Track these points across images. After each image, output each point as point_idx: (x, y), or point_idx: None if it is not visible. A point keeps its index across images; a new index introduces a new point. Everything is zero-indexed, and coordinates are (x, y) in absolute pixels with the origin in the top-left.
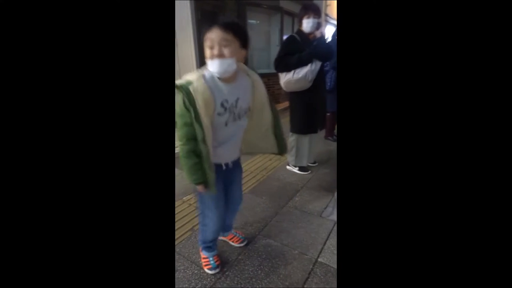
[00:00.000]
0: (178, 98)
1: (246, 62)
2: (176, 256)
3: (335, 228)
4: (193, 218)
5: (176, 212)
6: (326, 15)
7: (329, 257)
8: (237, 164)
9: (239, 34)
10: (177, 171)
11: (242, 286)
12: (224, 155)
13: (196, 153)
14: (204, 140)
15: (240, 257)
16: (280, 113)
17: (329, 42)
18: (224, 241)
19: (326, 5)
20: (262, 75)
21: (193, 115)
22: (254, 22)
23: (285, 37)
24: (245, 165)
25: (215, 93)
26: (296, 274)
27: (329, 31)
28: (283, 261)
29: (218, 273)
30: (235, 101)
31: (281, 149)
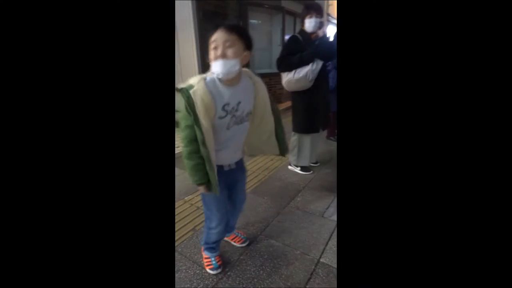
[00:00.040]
0: (182, 101)
1: (248, 62)
2: (178, 256)
3: None
4: (194, 218)
5: (177, 212)
6: (328, 14)
7: (331, 257)
8: (240, 165)
9: (243, 36)
10: (179, 171)
11: (244, 286)
12: (226, 157)
13: (198, 155)
14: (204, 143)
15: (242, 257)
16: (282, 113)
17: (331, 42)
18: (226, 241)
19: (328, 5)
20: (264, 75)
21: (193, 118)
22: (255, 22)
23: (286, 37)
24: (247, 165)
25: (216, 97)
26: (298, 274)
27: (331, 31)
28: (285, 262)
29: (220, 273)
30: (237, 105)
31: (283, 151)
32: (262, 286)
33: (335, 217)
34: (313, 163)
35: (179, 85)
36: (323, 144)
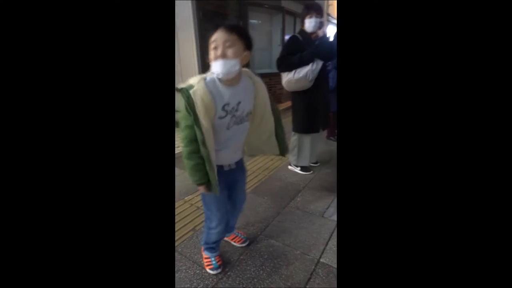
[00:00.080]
0: (182, 101)
1: (248, 62)
2: (178, 256)
3: None
4: (195, 218)
5: (178, 212)
6: (328, 14)
7: (331, 257)
8: (240, 165)
9: (243, 36)
10: (179, 171)
11: (244, 286)
12: (226, 157)
13: (198, 155)
14: (204, 143)
15: (242, 257)
16: (282, 113)
17: (331, 42)
18: (226, 241)
19: (328, 5)
20: (264, 75)
21: (193, 118)
22: (255, 22)
23: (287, 37)
24: (247, 165)
25: (216, 97)
26: (298, 274)
27: (331, 31)
28: (285, 262)
29: (220, 273)
30: (237, 105)
31: (283, 151)
32: (262, 286)
33: (335, 217)
34: (313, 163)
35: (179, 85)
36: (323, 144)
